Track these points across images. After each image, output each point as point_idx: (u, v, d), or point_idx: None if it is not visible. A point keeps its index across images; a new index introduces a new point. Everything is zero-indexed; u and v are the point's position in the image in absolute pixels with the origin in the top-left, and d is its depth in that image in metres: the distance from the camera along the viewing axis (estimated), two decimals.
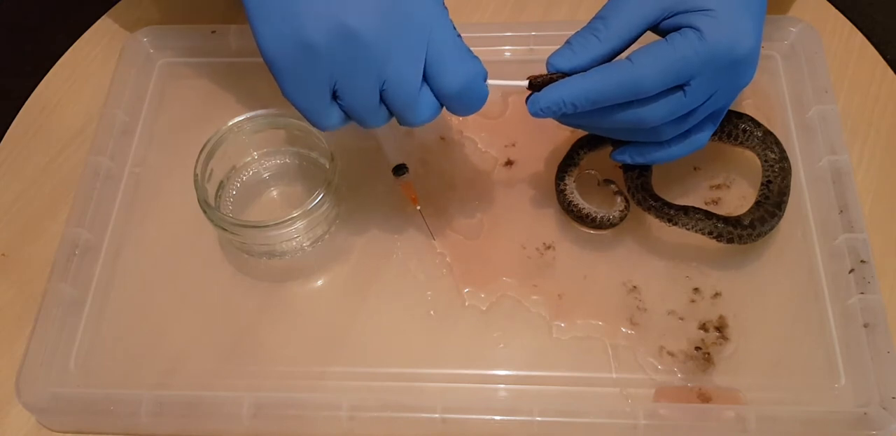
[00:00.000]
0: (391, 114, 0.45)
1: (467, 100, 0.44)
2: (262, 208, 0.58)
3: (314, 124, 0.45)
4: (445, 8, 0.44)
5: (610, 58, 0.46)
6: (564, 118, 0.48)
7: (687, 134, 0.49)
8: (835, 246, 0.54)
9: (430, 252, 0.56)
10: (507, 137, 0.60)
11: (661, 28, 0.46)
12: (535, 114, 0.46)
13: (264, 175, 0.59)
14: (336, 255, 0.56)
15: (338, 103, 0.44)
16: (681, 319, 0.53)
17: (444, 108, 0.45)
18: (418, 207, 0.56)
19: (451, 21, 0.44)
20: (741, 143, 0.55)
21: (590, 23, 0.47)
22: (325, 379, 0.52)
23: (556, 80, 0.46)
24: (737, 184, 0.57)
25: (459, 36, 0.44)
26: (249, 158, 0.59)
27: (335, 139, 0.54)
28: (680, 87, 0.45)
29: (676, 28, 0.45)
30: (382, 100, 0.43)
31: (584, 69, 0.46)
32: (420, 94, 0.43)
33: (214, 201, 0.56)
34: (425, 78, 0.43)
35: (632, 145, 0.51)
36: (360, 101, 0.43)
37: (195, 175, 0.53)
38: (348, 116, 0.45)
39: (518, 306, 0.54)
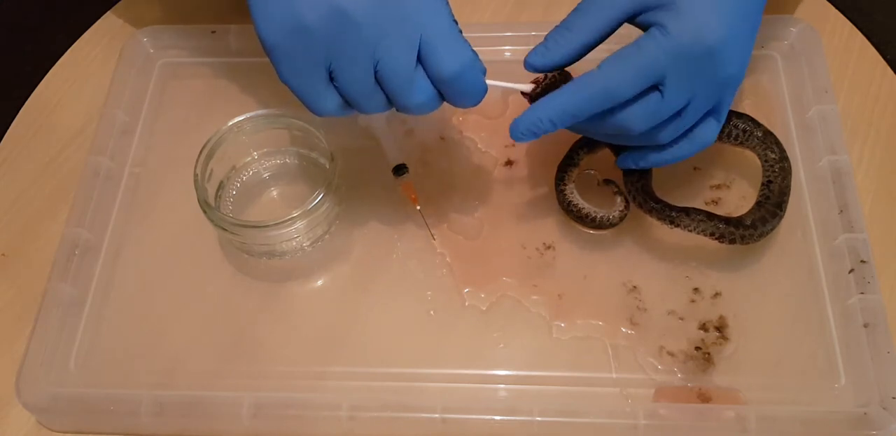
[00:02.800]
0: (388, 99, 0.45)
1: (462, 87, 0.44)
2: (262, 208, 0.58)
3: (311, 109, 0.45)
4: (449, 6, 0.44)
5: (584, 51, 0.46)
6: (569, 128, 0.48)
7: (688, 133, 0.49)
8: (835, 246, 0.54)
9: (430, 252, 0.56)
10: (507, 137, 0.58)
11: (638, 24, 0.46)
12: (518, 139, 0.46)
13: (264, 175, 0.59)
14: (336, 255, 0.56)
15: (334, 86, 0.44)
16: (681, 319, 0.53)
17: (445, 100, 0.46)
18: (418, 207, 0.56)
19: (448, 10, 0.44)
20: (741, 143, 0.55)
21: (564, 18, 0.47)
22: (325, 379, 0.52)
23: (551, 82, 0.46)
24: (737, 184, 0.57)
25: (458, 27, 0.44)
26: (249, 158, 0.59)
27: (335, 139, 0.54)
28: (655, 87, 0.44)
29: (648, 26, 0.44)
30: (378, 82, 0.44)
31: (561, 64, 0.46)
32: (415, 76, 0.43)
33: (214, 201, 0.56)
34: (420, 61, 0.43)
35: (634, 151, 0.51)
36: (355, 83, 0.43)
37: (195, 175, 0.53)
38: (346, 101, 0.45)
39: (518, 306, 0.54)
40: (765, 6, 0.47)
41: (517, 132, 0.46)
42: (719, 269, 0.54)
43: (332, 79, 0.44)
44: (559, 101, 0.45)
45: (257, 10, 0.42)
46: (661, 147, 0.49)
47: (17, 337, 0.54)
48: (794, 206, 0.54)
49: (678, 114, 0.46)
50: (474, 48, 0.45)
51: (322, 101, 0.44)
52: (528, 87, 0.48)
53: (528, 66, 0.47)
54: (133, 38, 0.64)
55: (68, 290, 0.54)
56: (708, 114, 0.48)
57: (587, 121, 0.46)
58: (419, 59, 0.43)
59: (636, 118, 0.45)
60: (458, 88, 0.44)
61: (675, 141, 0.49)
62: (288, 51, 0.43)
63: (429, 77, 0.44)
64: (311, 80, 0.43)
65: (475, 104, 0.46)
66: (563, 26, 0.47)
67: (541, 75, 0.48)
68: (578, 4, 0.47)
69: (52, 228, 0.58)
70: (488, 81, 0.46)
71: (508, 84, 0.48)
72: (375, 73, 0.43)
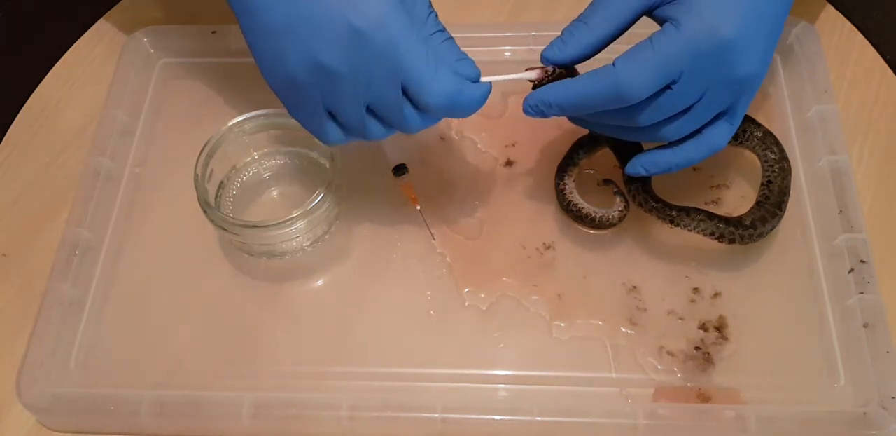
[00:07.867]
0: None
1: (454, 111, 0.45)
2: (262, 208, 0.58)
3: (318, 139, 0.48)
4: (431, 17, 0.45)
5: (601, 45, 0.46)
6: (573, 120, 0.49)
7: (697, 135, 0.48)
8: (834, 246, 0.54)
9: (430, 252, 0.56)
10: (507, 137, 0.60)
11: (654, 18, 0.45)
12: (525, 112, 0.47)
13: (264, 175, 0.59)
14: (336, 255, 0.56)
15: (336, 122, 0.46)
16: (680, 319, 0.53)
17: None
18: (418, 207, 0.56)
19: (425, 37, 0.44)
20: (741, 143, 0.55)
21: (582, 12, 0.47)
22: (325, 379, 0.52)
23: (556, 75, 0.47)
24: (737, 184, 0.57)
25: (450, 38, 0.45)
26: (249, 158, 0.59)
27: None
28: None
29: (663, 21, 0.44)
30: (373, 116, 0.46)
31: (578, 58, 0.46)
32: (404, 108, 0.45)
33: (215, 201, 0.56)
34: (407, 97, 0.44)
35: (642, 156, 0.50)
36: (351, 121, 0.46)
37: (195, 175, 0.53)
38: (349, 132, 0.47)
39: (518, 306, 0.54)
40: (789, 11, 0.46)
41: (526, 106, 0.47)
42: (719, 269, 0.54)
43: (332, 116, 0.46)
44: (572, 91, 0.45)
45: (258, 58, 0.45)
46: (670, 149, 0.48)
47: (17, 337, 0.54)
48: (794, 206, 0.54)
49: (687, 110, 0.45)
50: (474, 48, 0.45)
51: (326, 134, 0.47)
52: (533, 75, 0.47)
53: (545, 60, 0.47)
54: (133, 38, 0.64)
55: (68, 290, 0.54)
56: (720, 115, 0.47)
57: (593, 113, 0.46)
58: (407, 95, 0.44)
59: (643, 111, 0.45)
60: (452, 113, 0.45)
61: (683, 141, 0.48)
62: (288, 95, 0.46)
63: (418, 109, 0.45)
64: (312, 118, 0.46)
65: (472, 114, 0.46)
66: (581, 20, 0.46)
67: (548, 67, 0.47)
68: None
69: (52, 228, 0.58)
70: (491, 78, 0.46)
71: (512, 76, 0.47)
72: (370, 109, 0.45)
